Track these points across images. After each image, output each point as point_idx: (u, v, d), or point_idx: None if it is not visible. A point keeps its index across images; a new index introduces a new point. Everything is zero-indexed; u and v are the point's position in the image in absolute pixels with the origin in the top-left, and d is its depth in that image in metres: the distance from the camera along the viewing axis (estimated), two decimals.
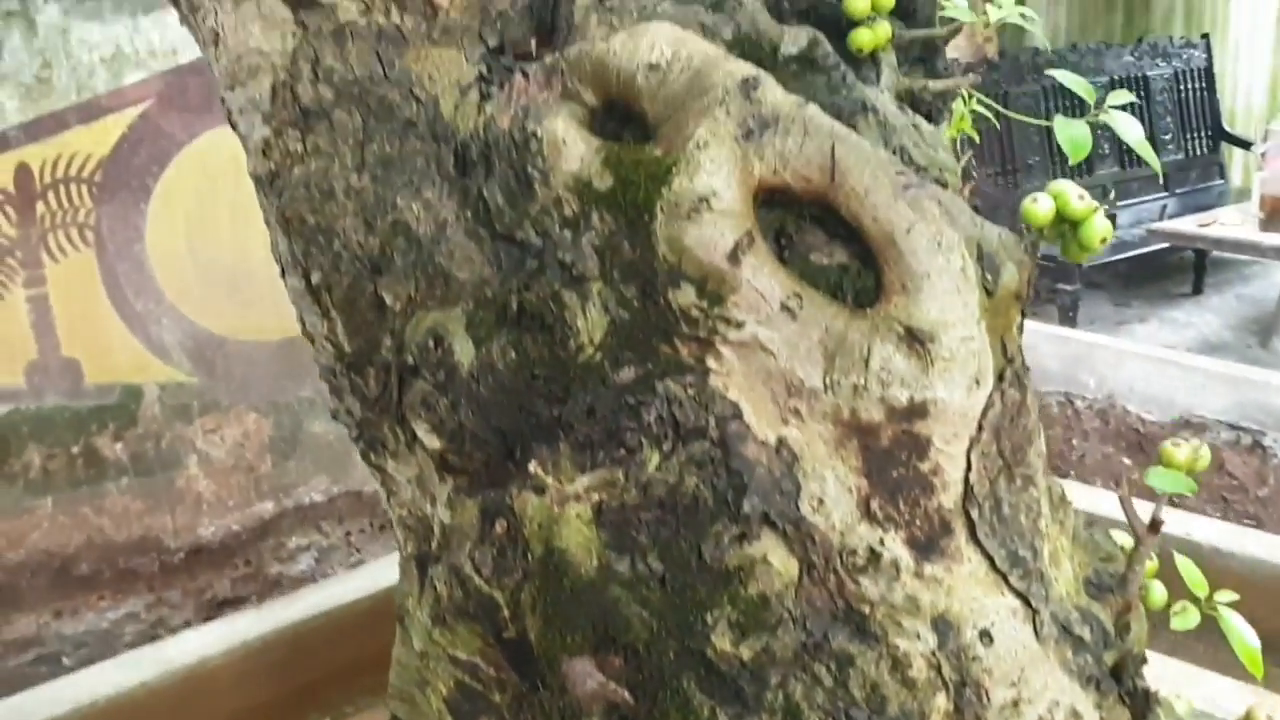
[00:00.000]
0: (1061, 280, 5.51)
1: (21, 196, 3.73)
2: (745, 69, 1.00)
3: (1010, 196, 5.83)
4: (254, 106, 1.05)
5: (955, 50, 5.87)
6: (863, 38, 1.16)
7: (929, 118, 1.34)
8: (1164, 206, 6.43)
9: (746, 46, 1.12)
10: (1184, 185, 6.64)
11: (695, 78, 1.00)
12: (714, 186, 0.95)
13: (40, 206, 3.75)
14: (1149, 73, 6.50)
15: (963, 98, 1.31)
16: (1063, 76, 1.26)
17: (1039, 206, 1.01)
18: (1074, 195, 1.02)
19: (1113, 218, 4.87)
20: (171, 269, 3.96)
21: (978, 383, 0.93)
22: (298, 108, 1.04)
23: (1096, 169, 6.22)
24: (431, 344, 1.02)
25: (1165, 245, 5.76)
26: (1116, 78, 6.30)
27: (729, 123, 0.97)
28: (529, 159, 1.03)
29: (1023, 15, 1.28)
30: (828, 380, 0.94)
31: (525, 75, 1.08)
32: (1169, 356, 5.15)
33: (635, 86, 1.02)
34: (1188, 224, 5.59)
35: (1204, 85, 6.77)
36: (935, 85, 1.26)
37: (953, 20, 1.30)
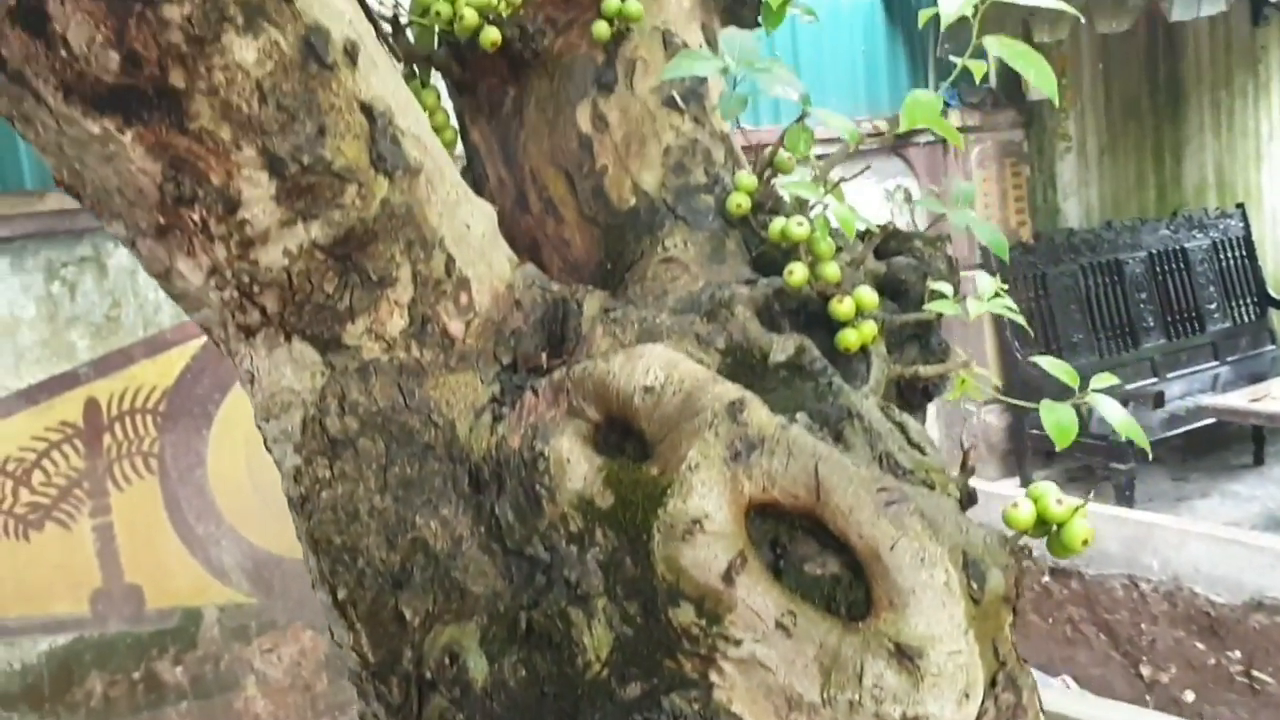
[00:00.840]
0: (1115, 459, 5.45)
1: (90, 430, 3.92)
2: (732, 391, 1.08)
3: (1055, 379, 5.84)
4: (286, 437, 1.14)
5: None
6: (849, 339, 1.23)
7: (926, 393, 1.41)
8: (1216, 376, 6.39)
9: (739, 355, 1.20)
10: (1234, 353, 6.60)
11: (686, 400, 1.08)
12: (706, 509, 1.02)
13: (107, 438, 3.93)
14: (1187, 245, 6.57)
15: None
16: (1046, 362, 1.32)
17: (1020, 511, 1.05)
18: (1053, 498, 1.06)
19: (1160, 394, 4.83)
20: (231, 492, 4.10)
21: (968, 696, 0.96)
22: (326, 438, 1.13)
23: (1142, 342, 6.23)
24: (447, 661, 1.07)
25: None
26: (1155, 252, 6.38)
27: (718, 444, 1.04)
28: (537, 477, 1.10)
29: (1008, 309, 1.35)
30: (825, 695, 0.97)
31: (535, 392, 1.16)
32: (1234, 535, 5.02)
33: (633, 407, 1.10)
34: (1240, 399, 5.53)
35: (1244, 253, 6.81)
36: (926, 371, 1.32)
37: (944, 297, 1.37)
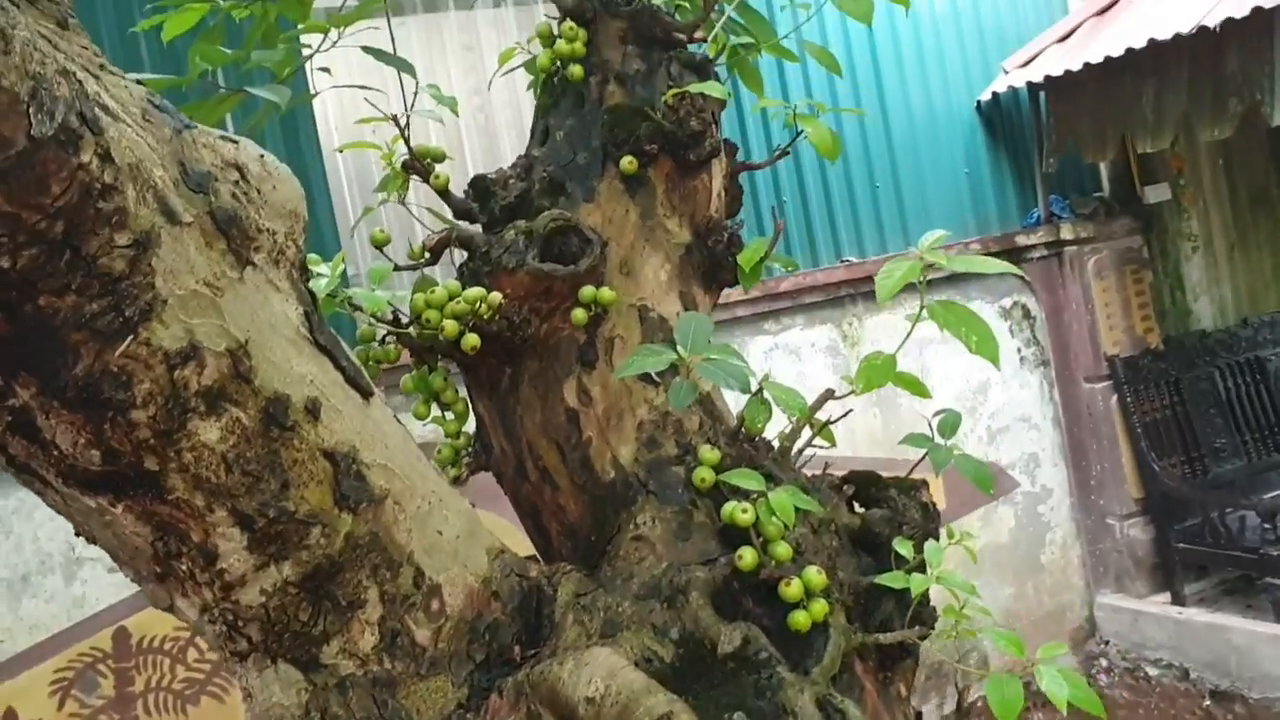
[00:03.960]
0: (1271, 572, 5.13)
1: None
2: (663, 704, 1.15)
3: (1199, 487, 5.58)
4: None
5: (1116, 345, 5.80)
6: (799, 620, 1.28)
7: (905, 649, 1.43)
8: None
9: (691, 645, 1.27)
10: None
11: (622, 712, 1.15)
12: None
13: None
14: None
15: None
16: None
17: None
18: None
19: None
20: None
21: None
22: None
23: None
24: None
25: None
26: None
27: None
28: None
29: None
30: None
31: (500, 693, 1.25)
32: None
33: (579, 717, 1.18)
34: None
35: None
36: (887, 638, 1.35)
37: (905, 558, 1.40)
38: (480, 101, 5.33)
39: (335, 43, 2.68)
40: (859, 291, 5.49)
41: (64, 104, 0.99)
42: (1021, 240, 5.81)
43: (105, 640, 4.31)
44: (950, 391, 5.56)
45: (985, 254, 5.76)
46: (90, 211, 1.02)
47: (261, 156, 1.29)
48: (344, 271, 1.51)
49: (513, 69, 2.35)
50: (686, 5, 1.89)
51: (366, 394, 1.32)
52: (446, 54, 5.23)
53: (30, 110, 0.96)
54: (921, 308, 1.39)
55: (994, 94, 5.81)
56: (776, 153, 1.89)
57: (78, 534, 1.28)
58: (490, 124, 5.27)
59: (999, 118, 5.94)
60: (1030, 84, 5.64)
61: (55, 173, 0.98)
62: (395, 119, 1.71)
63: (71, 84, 1.02)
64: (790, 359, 5.37)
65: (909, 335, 1.46)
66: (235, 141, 1.27)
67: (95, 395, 1.07)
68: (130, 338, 1.08)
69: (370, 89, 3.09)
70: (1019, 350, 5.88)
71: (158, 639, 4.37)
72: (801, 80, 5.40)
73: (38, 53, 0.99)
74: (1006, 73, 5.84)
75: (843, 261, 5.53)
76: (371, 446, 1.27)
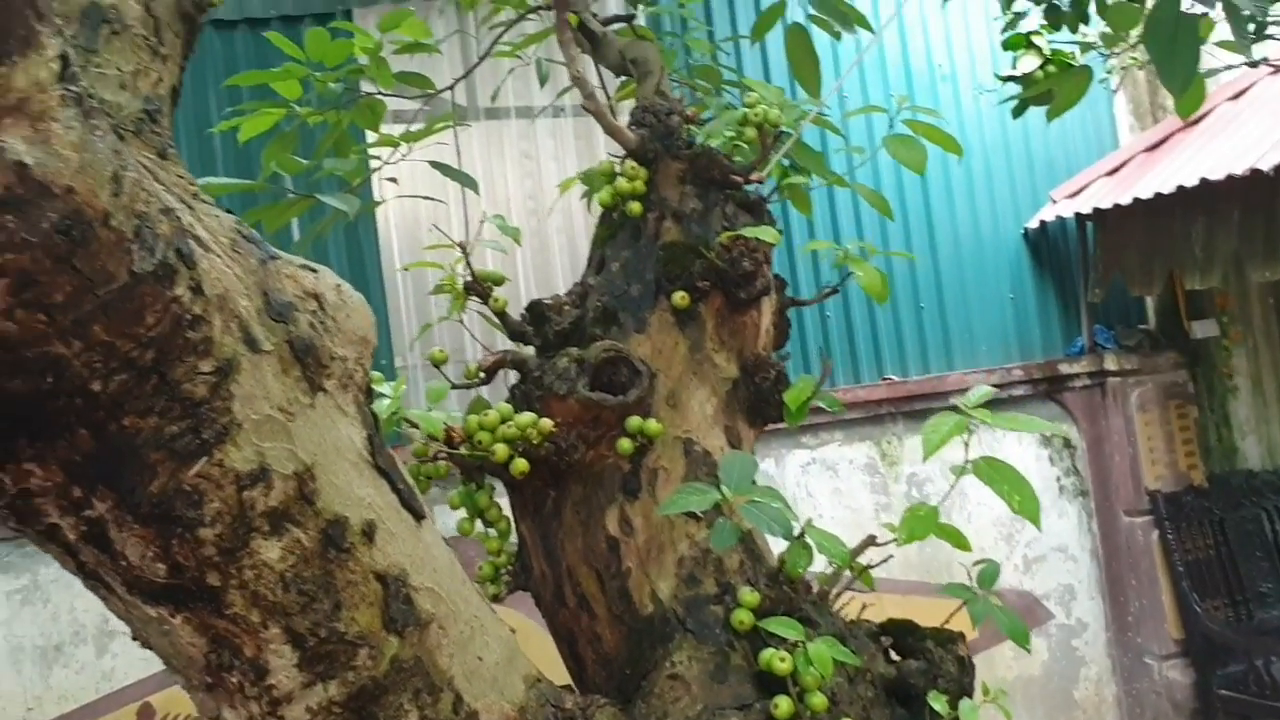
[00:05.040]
0: None
1: None
2: None
3: (1244, 632, 5.45)
4: None
5: (1158, 480, 5.75)
6: None
7: None
8: None
9: None
10: None
11: None
12: None
13: None
14: None
15: None
16: None
17: None
18: None
19: None
20: None
21: None
22: None
23: None
24: None
25: None
26: None
27: None
28: None
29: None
30: None
31: None
32: None
33: None
34: None
35: None
36: None
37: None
38: (534, 205, 5.47)
39: (405, 156, 2.80)
40: (900, 411, 5.50)
41: (164, 241, 1.07)
42: (1064, 369, 5.81)
43: (130, 716, 4.33)
44: (987, 517, 5.52)
45: (1028, 380, 5.76)
46: (179, 341, 1.09)
47: (338, 286, 1.36)
48: (404, 393, 1.57)
49: (568, 187, 2.44)
50: (745, 146, 1.97)
51: (419, 517, 1.36)
52: (505, 160, 5.38)
53: (134, 248, 1.03)
54: (966, 463, 1.42)
55: (1042, 222, 5.88)
56: (825, 291, 1.95)
57: (134, 638, 1.32)
58: (541, 228, 5.40)
59: (1046, 246, 6.00)
60: (1079, 215, 5.70)
61: (151, 305, 1.05)
62: (461, 245, 1.79)
63: (172, 221, 1.10)
64: (827, 475, 5.37)
65: (953, 487, 1.49)
66: (315, 270, 1.34)
67: (167, 512, 1.12)
68: (205, 459, 1.13)
69: (435, 200, 3.20)
70: (1058, 479, 5.83)
71: (181, 717, 4.37)
72: (850, 204, 5.50)
73: (144, 192, 1.07)
74: (1055, 202, 5.91)
75: (885, 379, 5.55)
76: (421, 569, 1.31)
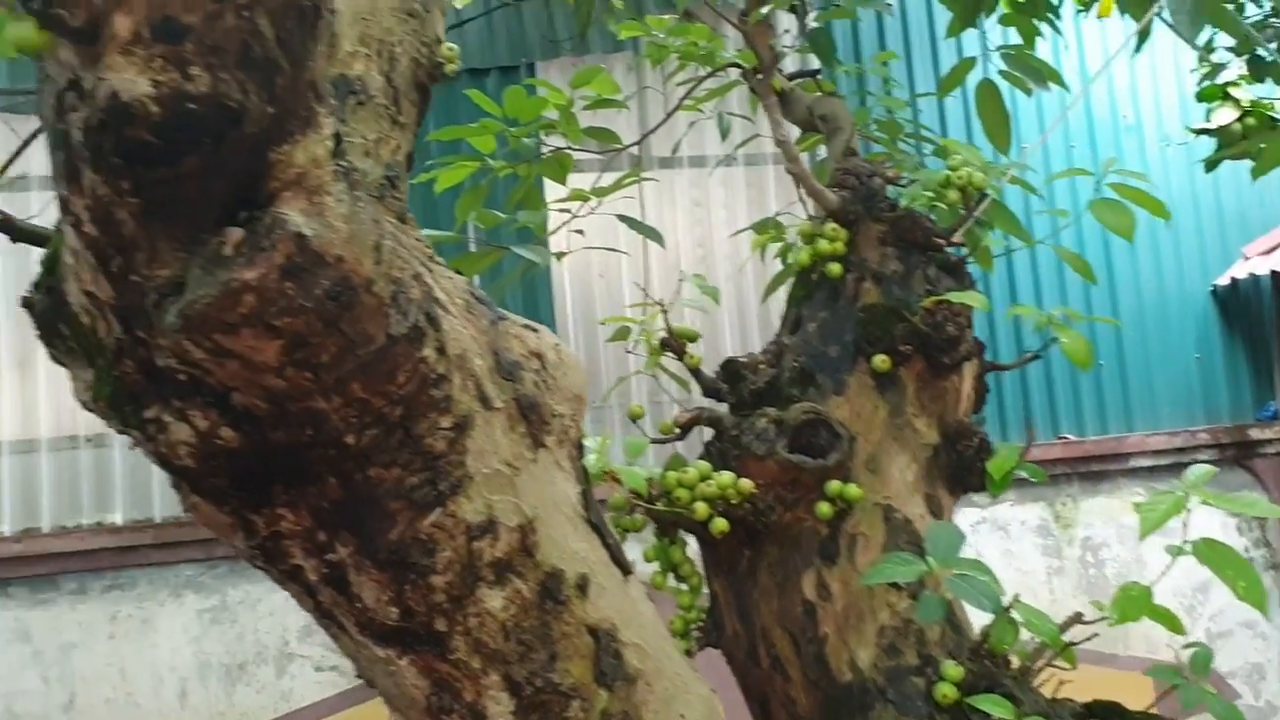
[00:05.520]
0: None
1: None
2: None
3: None
4: None
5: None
6: None
7: None
8: None
9: None
10: None
11: None
12: None
13: None
14: None
15: None
16: None
17: None
18: None
19: None
20: None
21: None
22: None
23: None
24: None
25: None
26: None
27: None
28: None
29: None
30: None
31: None
32: None
33: None
34: None
35: None
36: None
37: None
38: (703, 254, 5.53)
39: (594, 210, 2.88)
40: (1075, 471, 5.32)
41: (416, 306, 1.13)
42: (1255, 434, 5.51)
43: None
44: (1167, 587, 5.20)
45: (1214, 445, 5.48)
46: (424, 398, 1.15)
47: (557, 345, 1.41)
48: (607, 447, 1.61)
49: (760, 243, 2.47)
50: (945, 208, 1.96)
51: (627, 572, 1.39)
52: (676, 208, 5.47)
53: (391, 312, 1.10)
54: (1184, 543, 1.37)
55: (1232, 279, 5.62)
56: (1026, 357, 1.92)
57: (359, 676, 1.39)
58: (712, 275, 5.45)
59: (1236, 304, 5.72)
60: (1274, 273, 5.42)
61: (403, 365, 1.12)
62: (661, 303, 1.83)
63: (421, 285, 1.17)
64: (998, 535, 5.21)
65: (1168, 570, 1.44)
66: (536, 330, 1.40)
67: (403, 558, 1.19)
68: (440, 509, 1.19)
69: (619, 251, 3.27)
70: (1246, 550, 5.51)
71: None
72: (1028, 261, 5.37)
73: (398, 258, 1.14)
74: (1247, 258, 5.64)
75: (1060, 439, 5.38)
76: (629, 625, 1.34)
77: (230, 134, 0.92)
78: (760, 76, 1.94)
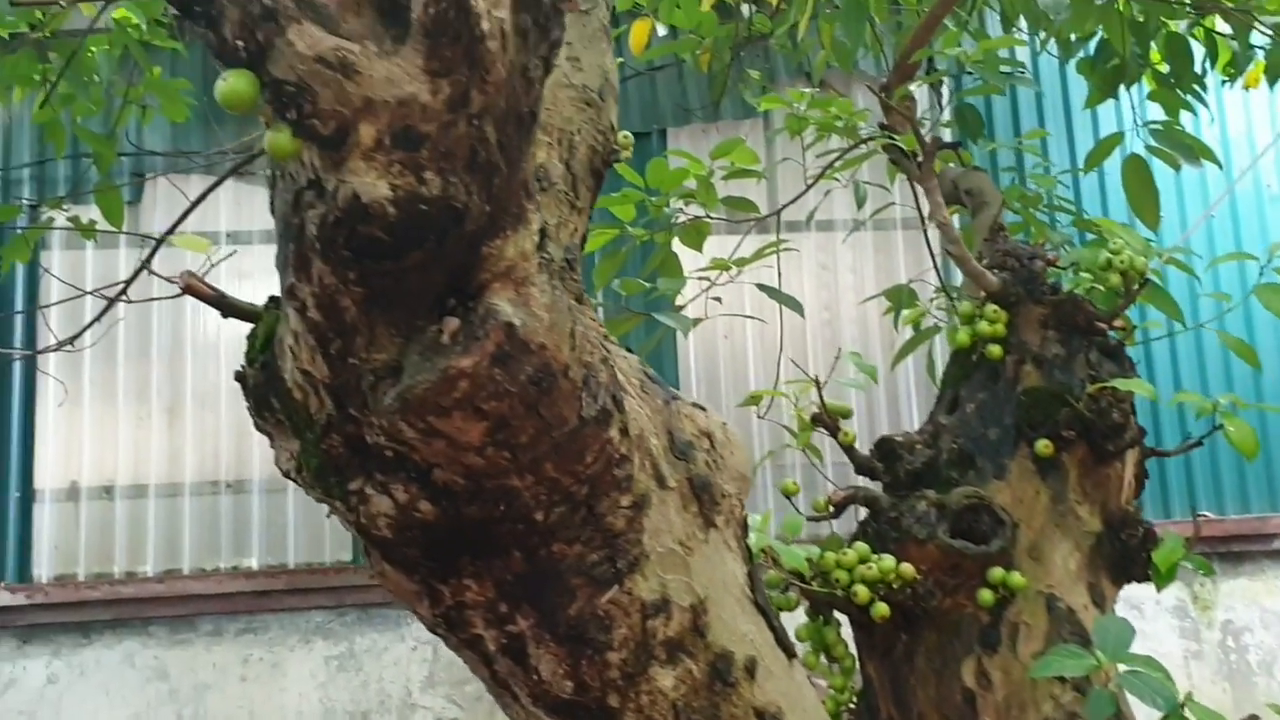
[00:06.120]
0: None
1: None
2: None
3: None
4: None
5: None
6: None
7: None
8: None
9: None
10: None
11: None
12: None
13: None
14: None
15: None
16: None
17: None
18: None
19: None
20: None
21: None
22: None
23: None
24: None
25: None
26: None
27: None
28: None
29: None
30: None
31: None
32: None
33: None
34: None
35: None
36: None
37: None
38: (829, 317, 5.52)
39: (734, 278, 2.92)
40: (1215, 551, 5.10)
41: (604, 389, 1.17)
42: None
43: None
44: None
45: None
46: (608, 477, 1.19)
47: (724, 424, 1.44)
48: (767, 526, 1.62)
49: (913, 322, 2.47)
50: (1103, 290, 1.94)
51: (791, 655, 1.40)
52: (803, 271, 5.48)
53: (583, 395, 1.14)
54: None
55: None
56: (1189, 444, 1.87)
57: None
58: (835, 337, 5.43)
59: None
60: None
61: (590, 445, 1.16)
62: (816, 379, 1.84)
63: (609, 368, 1.21)
64: (1131, 615, 5.01)
65: None
66: (704, 409, 1.43)
67: (581, 634, 1.21)
68: (617, 586, 1.22)
69: (757, 319, 3.29)
70: None
71: None
72: (1192, 343, 5.22)
73: (589, 344, 1.18)
74: None
75: (1198, 516, 5.17)
76: (794, 709, 1.34)
77: (453, 231, 0.98)
78: (920, 159, 1.95)
